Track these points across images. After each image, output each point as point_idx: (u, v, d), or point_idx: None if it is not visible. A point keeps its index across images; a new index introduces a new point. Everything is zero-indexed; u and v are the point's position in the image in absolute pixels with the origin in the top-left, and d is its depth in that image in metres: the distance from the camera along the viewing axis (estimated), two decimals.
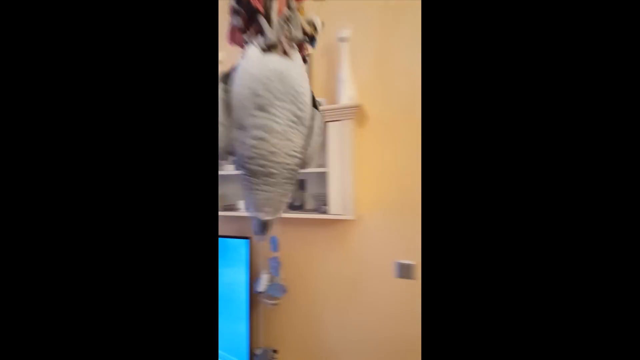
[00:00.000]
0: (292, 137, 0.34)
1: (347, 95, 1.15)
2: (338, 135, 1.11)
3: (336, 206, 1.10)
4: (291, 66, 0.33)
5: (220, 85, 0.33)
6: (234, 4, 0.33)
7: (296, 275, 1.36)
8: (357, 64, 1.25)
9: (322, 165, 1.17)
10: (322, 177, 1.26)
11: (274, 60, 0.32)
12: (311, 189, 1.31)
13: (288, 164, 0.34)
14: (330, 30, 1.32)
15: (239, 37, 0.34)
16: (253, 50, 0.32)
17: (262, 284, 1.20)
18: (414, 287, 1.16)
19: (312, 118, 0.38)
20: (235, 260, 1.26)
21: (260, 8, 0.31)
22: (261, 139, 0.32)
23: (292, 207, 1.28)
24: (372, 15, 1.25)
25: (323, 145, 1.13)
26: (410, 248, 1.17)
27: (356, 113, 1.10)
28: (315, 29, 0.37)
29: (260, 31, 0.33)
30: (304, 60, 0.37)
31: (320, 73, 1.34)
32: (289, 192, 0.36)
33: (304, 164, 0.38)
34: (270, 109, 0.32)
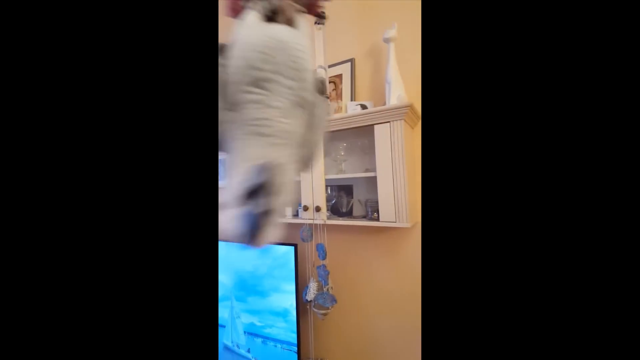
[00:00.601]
0: (293, 122, 0.26)
1: (396, 95, 1.10)
2: (387, 137, 1.05)
3: (388, 213, 1.04)
4: (297, 36, 0.27)
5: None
6: None
7: (345, 285, 1.31)
8: (405, 64, 1.19)
9: (370, 170, 1.12)
10: (370, 182, 1.21)
11: (276, 27, 0.27)
12: (358, 194, 1.27)
13: None
14: (376, 32, 1.28)
15: (239, 7, 0.29)
16: (252, 16, 0.27)
17: (311, 293, 1.18)
18: None
19: (314, 105, 0.30)
20: (282, 268, 1.26)
21: None
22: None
23: (339, 214, 1.25)
24: (416, 12, 1.19)
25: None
26: None
27: (407, 114, 1.04)
28: None
29: None
30: (321, 16, 0.32)
31: (366, 75, 1.30)
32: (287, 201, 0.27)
33: (302, 163, 0.30)
34: (268, 84, 0.25)
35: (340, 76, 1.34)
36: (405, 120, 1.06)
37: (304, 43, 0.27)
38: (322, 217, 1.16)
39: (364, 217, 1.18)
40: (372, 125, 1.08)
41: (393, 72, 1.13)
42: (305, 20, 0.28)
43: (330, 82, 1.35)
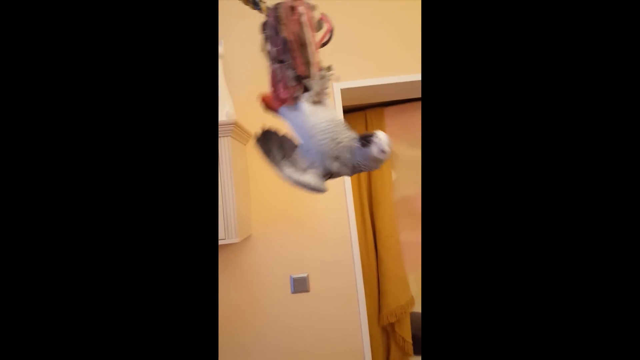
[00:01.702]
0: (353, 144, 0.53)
1: (225, 112, 1.11)
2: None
3: (219, 230, 1.01)
4: (330, 108, 0.53)
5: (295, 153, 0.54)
6: (293, 74, 0.47)
7: None
8: (235, 82, 1.22)
9: None
10: None
11: (323, 111, 0.51)
12: None
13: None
14: None
15: (285, 99, 0.50)
16: (306, 106, 0.49)
17: None
18: (311, 298, 1.17)
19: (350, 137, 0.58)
20: None
21: (307, 74, 0.47)
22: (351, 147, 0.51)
23: None
24: (246, 33, 1.25)
25: None
26: (302, 260, 1.19)
27: (234, 130, 1.06)
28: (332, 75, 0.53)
29: (304, 89, 0.48)
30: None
31: None
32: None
33: None
34: (342, 140, 0.50)
35: None
36: (234, 137, 1.08)
37: (334, 111, 0.54)
38: None
39: None
40: None
41: (222, 89, 1.13)
42: (327, 97, 0.52)
43: None
